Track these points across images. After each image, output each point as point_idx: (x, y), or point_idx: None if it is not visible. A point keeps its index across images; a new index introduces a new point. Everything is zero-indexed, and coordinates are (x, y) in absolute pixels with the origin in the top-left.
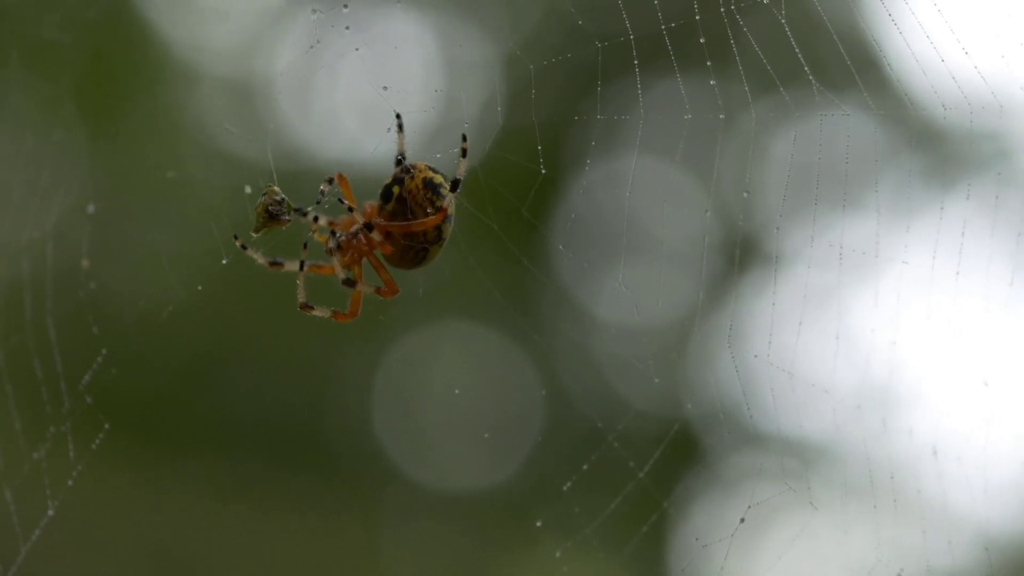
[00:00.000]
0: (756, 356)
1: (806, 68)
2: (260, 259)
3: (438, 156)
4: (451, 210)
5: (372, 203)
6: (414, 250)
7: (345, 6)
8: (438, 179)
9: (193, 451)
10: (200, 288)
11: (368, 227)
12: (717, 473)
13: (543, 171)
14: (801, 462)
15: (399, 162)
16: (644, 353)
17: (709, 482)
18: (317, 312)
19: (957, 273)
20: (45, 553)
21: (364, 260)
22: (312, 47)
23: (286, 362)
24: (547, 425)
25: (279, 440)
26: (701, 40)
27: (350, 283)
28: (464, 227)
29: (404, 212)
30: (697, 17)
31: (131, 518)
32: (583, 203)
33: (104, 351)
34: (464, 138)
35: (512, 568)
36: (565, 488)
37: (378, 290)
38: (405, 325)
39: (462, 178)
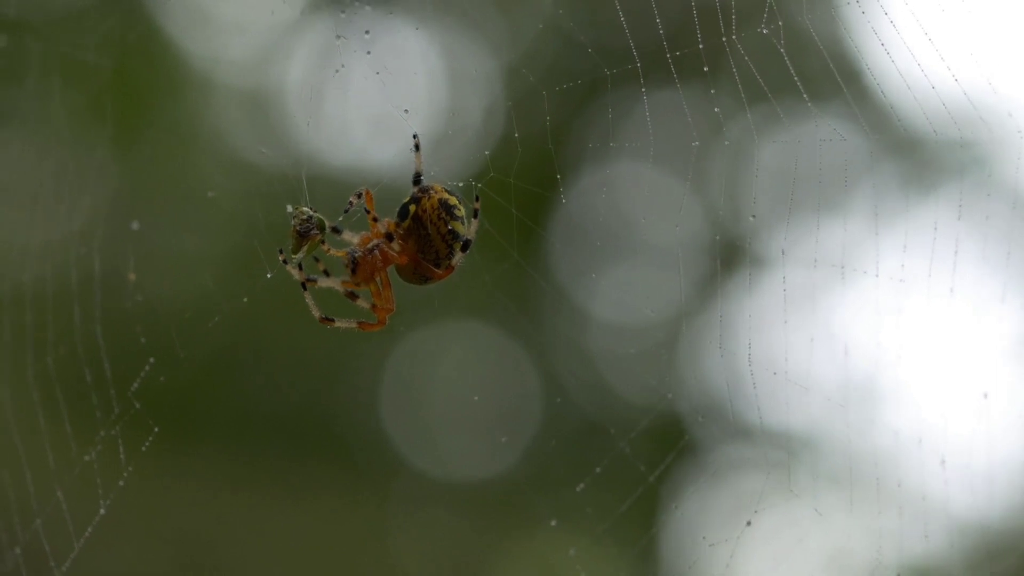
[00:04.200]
0: (775, 374)
1: (805, 96)
2: (298, 276)
3: (460, 184)
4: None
5: (389, 220)
6: (424, 267)
7: (367, 32)
8: (453, 201)
9: (212, 443)
10: (246, 300)
11: (389, 237)
12: (721, 471)
13: (564, 200)
14: (803, 463)
15: (417, 181)
16: (656, 351)
17: (710, 479)
18: (340, 324)
19: (951, 289)
20: (96, 550)
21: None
22: (337, 71)
23: (301, 360)
24: (546, 418)
25: (295, 433)
26: (705, 68)
27: (352, 296)
28: (482, 246)
29: (419, 230)
30: (700, 46)
31: (158, 508)
32: (600, 226)
33: (152, 360)
34: (477, 198)
35: (511, 553)
36: (578, 489)
37: (373, 307)
38: (412, 324)
39: (474, 238)
